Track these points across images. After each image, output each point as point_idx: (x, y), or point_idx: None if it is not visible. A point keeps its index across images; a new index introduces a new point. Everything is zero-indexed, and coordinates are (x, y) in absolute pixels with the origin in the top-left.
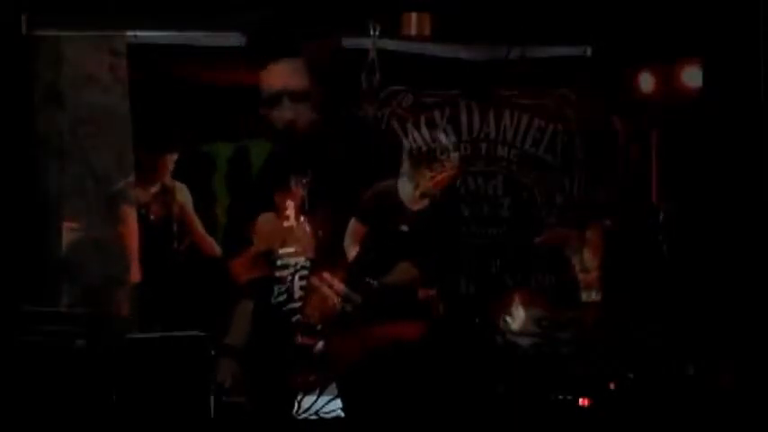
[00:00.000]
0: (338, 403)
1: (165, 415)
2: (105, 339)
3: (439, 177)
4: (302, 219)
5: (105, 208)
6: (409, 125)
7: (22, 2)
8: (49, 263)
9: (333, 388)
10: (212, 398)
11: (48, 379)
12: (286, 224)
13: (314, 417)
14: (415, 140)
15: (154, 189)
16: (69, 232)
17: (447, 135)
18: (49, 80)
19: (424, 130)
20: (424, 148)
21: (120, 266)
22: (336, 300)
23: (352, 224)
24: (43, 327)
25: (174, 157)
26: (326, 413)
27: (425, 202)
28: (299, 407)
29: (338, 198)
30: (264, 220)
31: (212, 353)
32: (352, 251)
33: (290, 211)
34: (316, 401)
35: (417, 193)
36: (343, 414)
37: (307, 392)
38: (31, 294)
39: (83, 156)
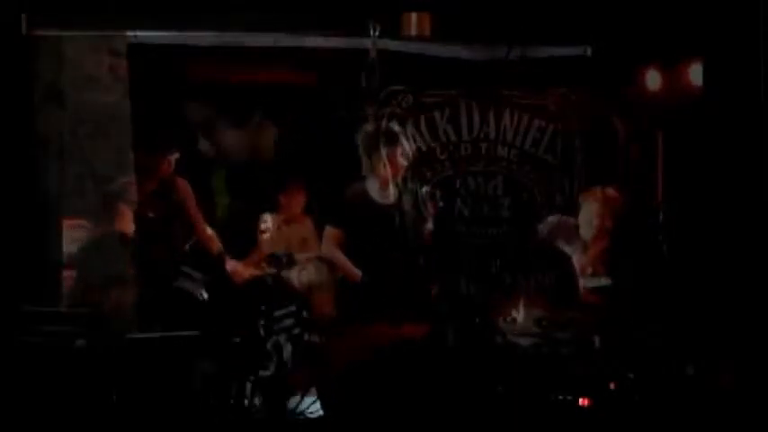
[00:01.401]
0: (323, 404)
1: (164, 415)
2: (105, 339)
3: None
4: (304, 219)
5: (105, 207)
6: (409, 125)
7: (22, 2)
8: (49, 263)
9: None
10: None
11: (48, 379)
12: (288, 225)
13: (305, 416)
14: (415, 140)
15: (153, 185)
16: (69, 232)
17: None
18: (49, 80)
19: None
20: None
21: (121, 264)
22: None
23: (328, 231)
24: (43, 327)
25: (174, 153)
26: (311, 413)
27: (396, 195)
28: (283, 406)
29: (320, 198)
30: (267, 222)
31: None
32: (333, 255)
33: (291, 212)
34: (301, 402)
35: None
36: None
37: (295, 392)
38: (32, 294)
39: (83, 156)
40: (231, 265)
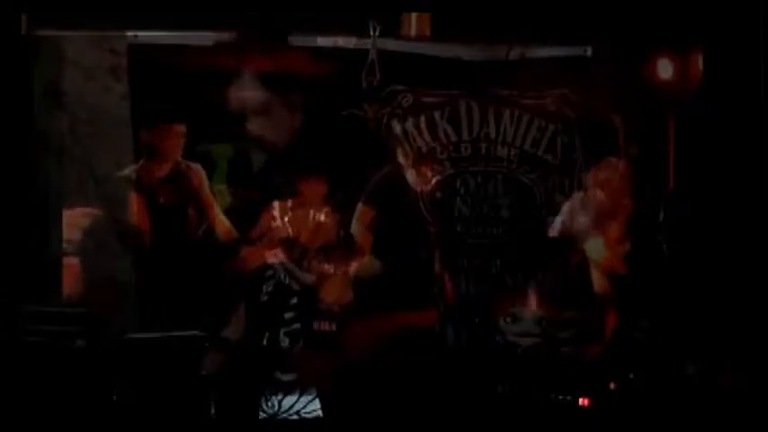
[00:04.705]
0: (318, 403)
1: (164, 415)
2: (105, 339)
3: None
4: (321, 208)
5: (105, 205)
6: (409, 125)
7: (22, 2)
8: (50, 261)
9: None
10: (212, 397)
11: (48, 379)
12: (301, 212)
13: (295, 417)
14: (414, 140)
15: (164, 172)
16: (74, 224)
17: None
18: (49, 80)
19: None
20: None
21: (125, 262)
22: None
23: (360, 208)
24: (43, 327)
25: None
26: (307, 413)
27: (428, 175)
28: (279, 406)
29: (340, 186)
30: (281, 208)
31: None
32: (361, 235)
33: (306, 199)
34: (297, 401)
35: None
36: (321, 414)
37: (289, 391)
38: (32, 293)
39: (83, 156)
40: (244, 251)
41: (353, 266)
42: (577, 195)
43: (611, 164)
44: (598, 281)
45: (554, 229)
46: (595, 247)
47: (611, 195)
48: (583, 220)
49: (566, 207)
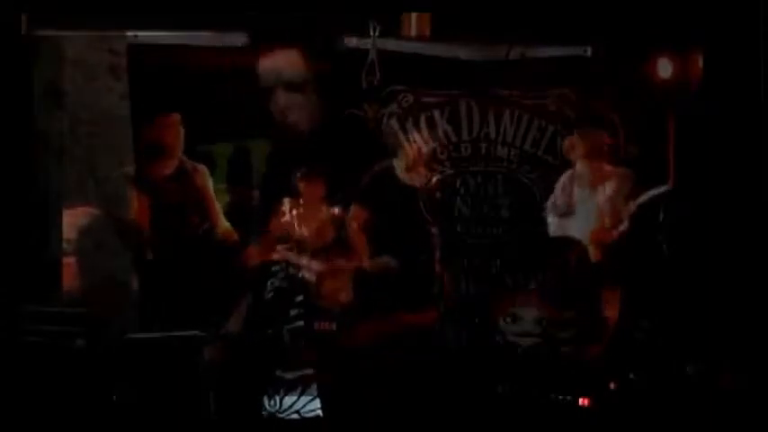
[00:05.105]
0: (318, 403)
1: (164, 415)
2: (105, 339)
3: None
4: (322, 207)
5: (105, 204)
6: (409, 125)
7: (22, 2)
8: (50, 261)
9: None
10: (212, 397)
11: (48, 379)
12: (303, 212)
13: (295, 416)
14: (414, 140)
15: (170, 169)
16: (75, 222)
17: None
18: (49, 80)
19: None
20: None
21: (125, 261)
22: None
23: (354, 209)
24: (43, 327)
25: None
26: (307, 412)
27: (423, 174)
28: (280, 405)
29: (339, 186)
30: (283, 207)
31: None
32: (355, 235)
33: (309, 199)
34: (297, 401)
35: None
36: (321, 413)
37: (290, 389)
38: (33, 293)
39: (83, 156)
40: (247, 249)
41: (366, 263)
42: (566, 174)
43: (586, 134)
44: (591, 253)
45: (547, 209)
46: (584, 220)
47: (593, 165)
48: (572, 194)
49: (557, 186)
